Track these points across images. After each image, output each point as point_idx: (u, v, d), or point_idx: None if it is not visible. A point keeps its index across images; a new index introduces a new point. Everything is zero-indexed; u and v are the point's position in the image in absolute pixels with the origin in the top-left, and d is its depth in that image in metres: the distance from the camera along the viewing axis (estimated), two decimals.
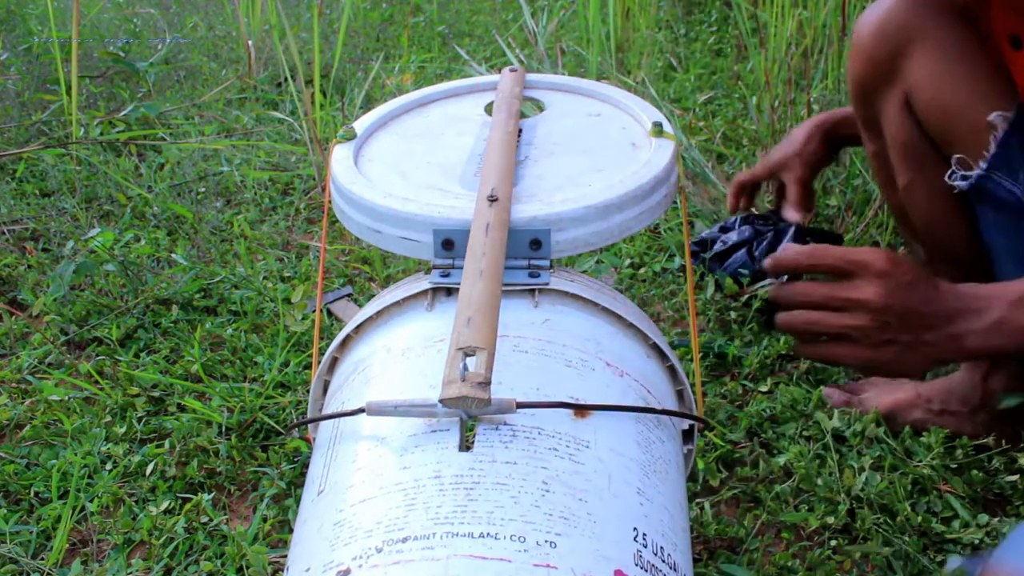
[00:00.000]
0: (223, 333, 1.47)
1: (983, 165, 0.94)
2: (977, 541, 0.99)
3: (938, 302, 0.76)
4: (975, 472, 1.07)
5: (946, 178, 0.98)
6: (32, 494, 1.17)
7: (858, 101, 1.06)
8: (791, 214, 1.24)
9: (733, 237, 1.47)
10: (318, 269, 1.62)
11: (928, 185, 1.02)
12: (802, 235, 1.35)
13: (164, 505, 1.12)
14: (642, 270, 1.61)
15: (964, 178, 0.96)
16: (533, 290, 0.80)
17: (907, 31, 0.97)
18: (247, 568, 1.01)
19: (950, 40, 0.96)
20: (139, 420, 1.29)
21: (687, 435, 0.88)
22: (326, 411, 0.83)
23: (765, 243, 1.41)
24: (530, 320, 0.77)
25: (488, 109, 1.07)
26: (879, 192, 1.51)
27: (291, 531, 1.02)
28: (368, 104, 2.32)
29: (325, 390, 0.88)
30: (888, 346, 0.77)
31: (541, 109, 1.07)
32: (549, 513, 0.59)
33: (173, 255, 1.69)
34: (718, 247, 1.48)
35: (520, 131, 0.99)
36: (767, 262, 0.82)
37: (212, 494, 1.15)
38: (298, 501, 1.10)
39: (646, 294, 1.54)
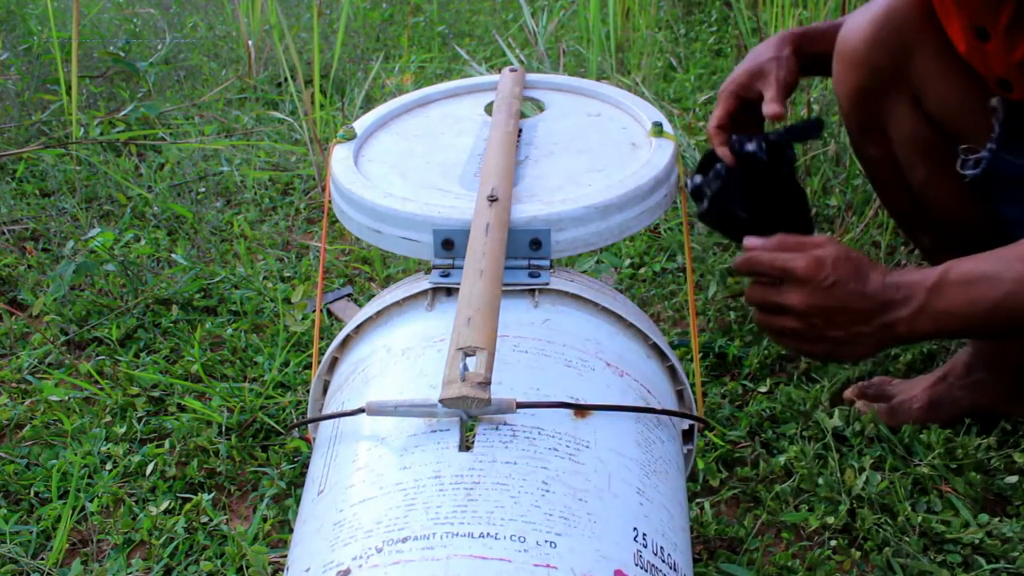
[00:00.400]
0: (223, 333, 1.47)
1: (991, 146, 0.98)
2: (977, 541, 0.99)
3: (867, 297, 0.80)
4: (972, 474, 1.07)
5: (957, 167, 1.01)
6: (32, 494, 1.17)
7: (856, 109, 1.06)
8: (772, 107, 1.05)
9: (716, 184, 1.21)
10: (318, 269, 1.62)
11: (946, 177, 1.04)
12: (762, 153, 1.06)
13: (164, 505, 1.12)
14: (642, 270, 1.61)
15: (976, 164, 0.99)
16: (533, 290, 0.80)
17: (907, 35, 0.99)
18: (247, 568, 1.01)
19: (945, 38, 0.98)
20: (139, 420, 1.29)
21: (687, 435, 0.88)
22: (326, 411, 0.83)
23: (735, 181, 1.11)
24: (530, 320, 0.77)
25: (488, 109, 1.07)
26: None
27: (291, 531, 1.02)
28: (368, 104, 2.32)
29: (325, 390, 0.88)
30: (822, 341, 0.82)
31: (541, 109, 1.08)
32: (549, 513, 0.59)
33: (173, 255, 1.69)
34: (705, 205, 1.22)
35: (520, 131, 0.99)
36: (735, 263, 0.88)
37: (212, 494, 1.15)
38: (298, 501, 1.10)
39: (646, 294, 1.54)
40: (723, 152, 1.06)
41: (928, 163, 1.05)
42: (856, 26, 1.03)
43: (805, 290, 0.80)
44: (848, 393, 1.22)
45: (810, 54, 1.13)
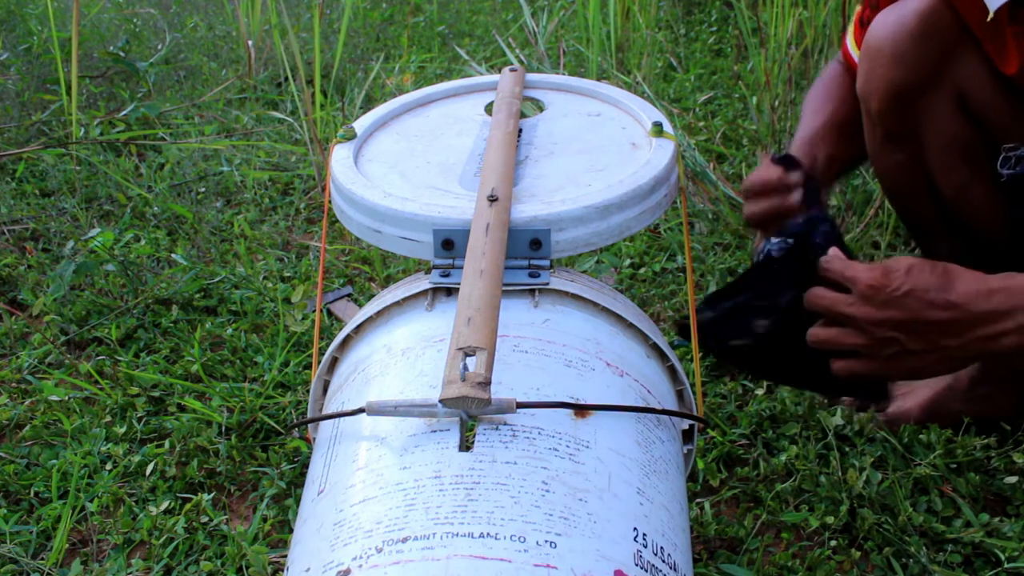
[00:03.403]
0: (223, 333, 1.47)
1: None
2: (978, 541, 0.99)
3: (955, 306, 0.72)
4: (971, 475, 1.07)
5: (997, 166, 0.97)
6: (32, 494, 1.17)
7: (890, 109, 1.01)
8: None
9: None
10: (318, 269, 1.62)
11: (983, 181, 1.00)
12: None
13: (164, 505, 1.12)
14: (642, 270, 1.61)
15: (1017, 162, 0.95)
16: (533, 290, 0.80)
17: (953, 30, 0.95)
18: (247, 568, 1.01)
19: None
20: (139, 420, 1.28)
21: (687, 435, 0.88)
22: (326, 411, 0.83)
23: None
24: (530, 320, 0.77)
25: (488, 109, 1.07)
26: (890, 204, 1.30)
27: (291, 531, 1.02)
28: (368, 104, 2.32)
29: (325, 390, 0.88)
30: (903, 357, 0.74)
31: (541, 109, 1.07)
32: (549, 513, 0.59)
33: (173, 255, 1.69)
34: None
35: (520, 131, 0.99)
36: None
37: (212, 494, 1.15)
38: (298, 501, 1.10)
39: (646, 294, 1.54)
40: (792, 180, 0.96)
41: (966, 165, 1.00)
42: (896, 21, 0.97)
43: (874, 301, 0.73)
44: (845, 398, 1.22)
45: (824, 161, 1.08)
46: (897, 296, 0.73)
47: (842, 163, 1.14)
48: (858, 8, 1.12)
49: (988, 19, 0.89)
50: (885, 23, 0.98)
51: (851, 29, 1.14)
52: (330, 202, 0.94)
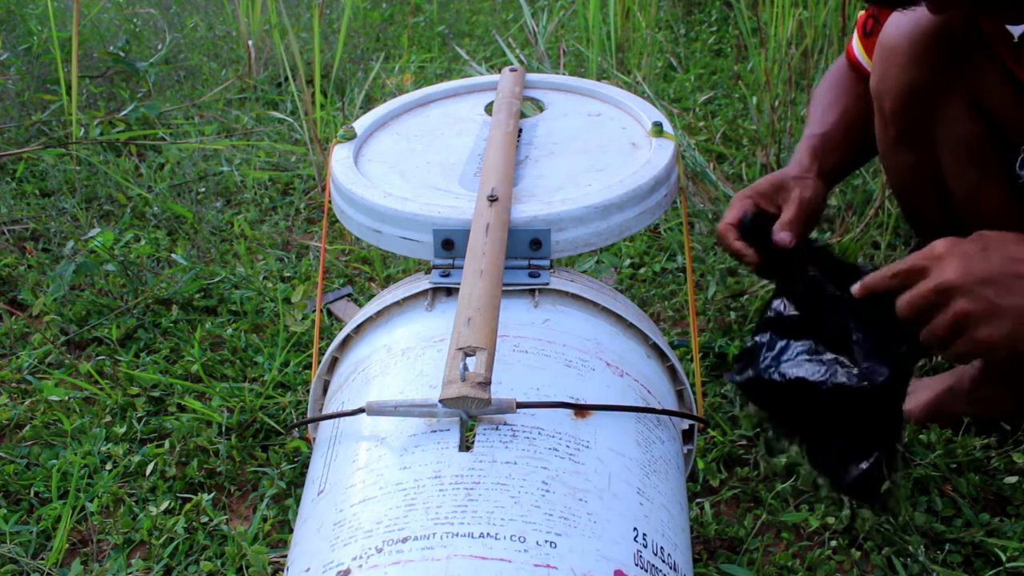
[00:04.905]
0: (223, 333, 1.47)
1: None
2: (978, 540, 0.99)
3: None
4: (971, 475, 1.07)
5: (1017, 168, 0.97)
6: (32, 494, 1.17)
7: (904, 110, 1.00)
8: (783, 236, 0.96)
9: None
10: (318, 269, 1.62)
11: (995, 183, 1.00)
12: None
13: (164, 505, 1.12)
14: (642, 270, 1.61)
15: None
16: (533, 290, 0.80)
17: (972, 33, 0.94)
18: (247, 568, 1.01)
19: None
20: (139, 420, 1.28)
21: (687, 435, 0.88)
22: (326, 411, 0.83)
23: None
24: (530, 320, 0.77)
25: (488, 109, 1.07)
26: (897, 202, 1.29)
27: (291, 531, 1.02)
28: (368, 104, 2.32)
29: (325, 390, 0.88)
30: (1000, 319, 0.73)
31: (541, 109, 1.08)
32: (549, 513, 0.59)
33: (173, 255, 1.69)
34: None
35: (520, 131, 0.99)
36: (855, 289, 0.80)
37: (212, 494, 1.15)
38: (298, 501, 1.10)
39: (646, 294, 1.54)
40: (739, 247, 0.96)
41: (980, 166, 1.00)
42: (911, 21, 0.97)
43: (957, 258, 0.72)
44: None
45: (832, 168, 1.09)
46: (977, 250, 0.73)
47: (848, 169, 1.14)
48: (860, 15, 1.12)
49: (1014, 41, 0.89)
50: (900, 23, 0.98)
51: (856, 35, 1.13)
52: (330, 202, 0.94)
